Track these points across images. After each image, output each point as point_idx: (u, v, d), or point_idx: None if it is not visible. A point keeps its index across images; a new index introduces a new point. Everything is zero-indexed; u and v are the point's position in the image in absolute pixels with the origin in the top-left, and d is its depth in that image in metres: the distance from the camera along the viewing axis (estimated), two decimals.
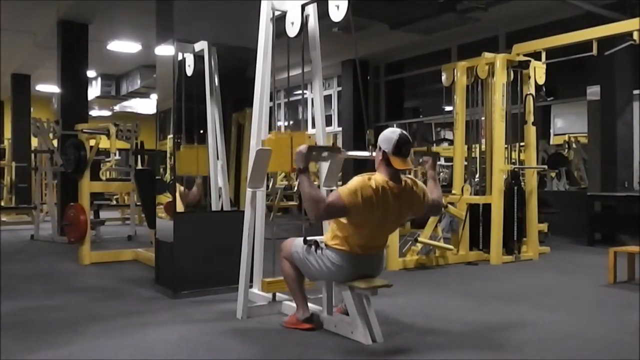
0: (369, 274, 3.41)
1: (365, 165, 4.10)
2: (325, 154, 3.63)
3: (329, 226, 3.54)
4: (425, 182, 3.57)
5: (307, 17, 4.00)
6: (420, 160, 3.64)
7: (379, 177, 3.27)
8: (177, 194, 4.83)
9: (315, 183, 3.82)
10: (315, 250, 3.40)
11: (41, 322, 3.81)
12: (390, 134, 3.29)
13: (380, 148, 3.30)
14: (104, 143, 7.24)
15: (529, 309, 4.20)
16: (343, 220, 3.29)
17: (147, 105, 17.25)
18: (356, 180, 3.23)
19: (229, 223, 4.51)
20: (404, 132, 3.32)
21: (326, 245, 3.39)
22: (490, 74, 6.61)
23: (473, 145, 7.16)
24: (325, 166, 4.03)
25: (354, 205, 3.15)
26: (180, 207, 4.89)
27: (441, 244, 6.19)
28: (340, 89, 13.85)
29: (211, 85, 5.14)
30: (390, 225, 3.45)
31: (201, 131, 5.20)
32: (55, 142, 8.73)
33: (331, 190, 4.04)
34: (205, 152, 5.06)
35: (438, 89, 7.58)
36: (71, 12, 9.17)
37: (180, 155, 4.94)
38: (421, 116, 13.64)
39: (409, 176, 3.45)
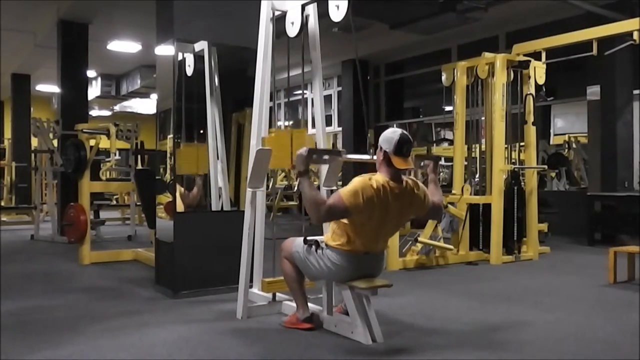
0: (369, 274, 3.40)
1: (365, 166, 4.11)
2: (326, 157, 3.64)
3: (330, 226, 3.54)
4: (426, 184, 3.57)
5: (307, 17, 4.00)
6: (422, 164, 3.65)
7: (379, 177, 3.28)
8: (178, 194, 4.82)
9: (315, 183, 3.83)
10: (316, 250, 3.40)
11: (41, 322, 3.81)
12: (391, 134, 3.30)
13: (381, 148, 3.31)
14: (104, 143, 7.24)
15: (529, 309, 4.20)
16: (344, 220, 3.29)
17: (147, 105, 17.25)
18: (357, 181, 3.23)
19: (229, 223, 4.51)
20: (405, 132, 3.33)
21: (327, 245, 3.39)
22: (490, 74, 6.61)
23: (473, 145, 7.16)
24: (325, 166, 4.03)
25: (355, 206, 3.16)
26: (180, 207, 4.89)
27: (441, 244, 6.19)
28: (340, 89, 13.85)
29: (211, 85, 5.13)
30: (391, 226, 3.44)
31: (201, 131, 5.20)
32: (55, 142, 8.73)
33: (331, 191, 4.05)
34: (205, 150, 5.07)
35: (438, 89, 7.57)
36: (71, 12, 9.17)
37: (180, 154, 4.94)
38: (421, 116, 13.64)
39: (411, 177, 3.45)
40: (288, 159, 3.80)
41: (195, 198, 5.25)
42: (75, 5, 8.86)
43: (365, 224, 3.26)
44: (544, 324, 3.76)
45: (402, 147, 3.24)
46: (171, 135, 5.82)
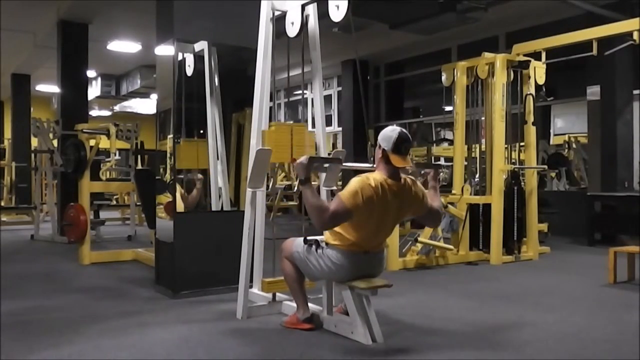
0: (369, 273, 3.41)
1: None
2: (326, 165, 3.65)
3: None
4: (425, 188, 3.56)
5: (307, 17, 4.00)
6: (422, 172, 3.65)
7: (377, 176, 3.29)
8: (178, 194, 4.82)
9: (315, 183, 3.83)
10: (316, 250, 3.41)
11: (41, 322, 3.81)
12: (390, 132, 3.31)
13: (380, 146, 3.32)
14: (104, 143, 7.24)
15: (529, 309, 4.20)
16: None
17: (147, 105, 17.24)
18: (355, 181, 3.24)
19: (229, 223, 4.51)
20: (404, 130, 3.34)
21: (327, 244, 3.39)
22: (490, 74, 6.61)
23: (473, 145, 7.15)
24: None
25: (356, 206, 3.17)
26: (180, 208, 4.89)
27: (441, 244, 6.19)
28: (340, 89, 13.85)
29: (211, 85, 5.14)
30: (390, 223, 3.44)
31: (201, 131, 5.20)
32: (55, 142, 8.73)
33: (332, 191, 4.06)
34: (205, 147, 5.07)
35: (438, 89, 7.57)
36: (71, 12, 9.17)
37: (180, 149, 4.92)
38: (421, 116, 13.64)
39: (409, 176, 3.46)
40: (288, 154, 3.82)
41: (195, 199, 5.24)
42: (75, 5, 8.86)
43: (365, 222, 3.26)
44: (544, 324, 3.76)
45: (400, 146, 3.25)
46: (171, 135, 5.82)
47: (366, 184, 3.22)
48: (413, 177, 3.46)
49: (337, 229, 3.34)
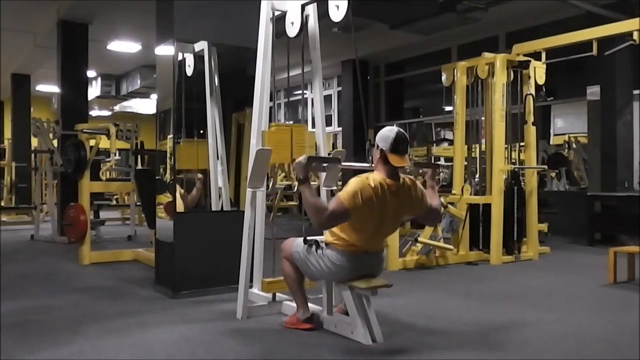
0: (369, 273, 3.41)
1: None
2: (324, 164, 3.66)
3: None
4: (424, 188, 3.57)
5: (307, 17, 4.01)
6: (420, 171, 3.68)
7: (377, 176, 3.29)
8: (178, 194, 4.82)
9: (315, 183, 3.83)
10: (316, 250, 3.41)
11: (41, 322, 3.81)
12: (388, 132, 3.33)
13: (378, 146, 3.33)
14: (104, 143, 7.24)
15: (529, 309, 4.20)
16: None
17: (147, 105, 17.24)
18: (354, 182, 3.24)
19: (229, 223, 4.51)
20: (401, 130, 3.36)
21: (326, 244, 3.39)
22: (490, 74, 6.61)
23: (473, 145, 7.15)
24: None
25: (355, 207, 3.17)
26: (180, 208, 4.89)
27: (441, 244, 6.18)
28: (340, 89, 13.85)
29: (211, 85, 5.14)
30: (390, 223, 3.44)
31: (201, 131, 5.20)
32: (55, 142, 8.73)
33: (331, 191, 4.06)
34: (205, 146, 5.07)
35: (438, 89, 7.58)
36: (71, 12, 9.18)
37: (180, 150, 4.92)
38: (421, 116, 13.65)
39: (408, 176, 3.46)
40: (288, 155, 3.83)
41: (194, 199, 5.24)
42: (75, 5, 8.87)
43: (364, 222, 3.26)
44: (544, 324, 3.76)
45: (398, 145, 3.27)
46: (171, 135, 5.82)
47: (366, 184, 3.23)
48: (413, 178, 3.46)
49: (336, 230, 3.34)
